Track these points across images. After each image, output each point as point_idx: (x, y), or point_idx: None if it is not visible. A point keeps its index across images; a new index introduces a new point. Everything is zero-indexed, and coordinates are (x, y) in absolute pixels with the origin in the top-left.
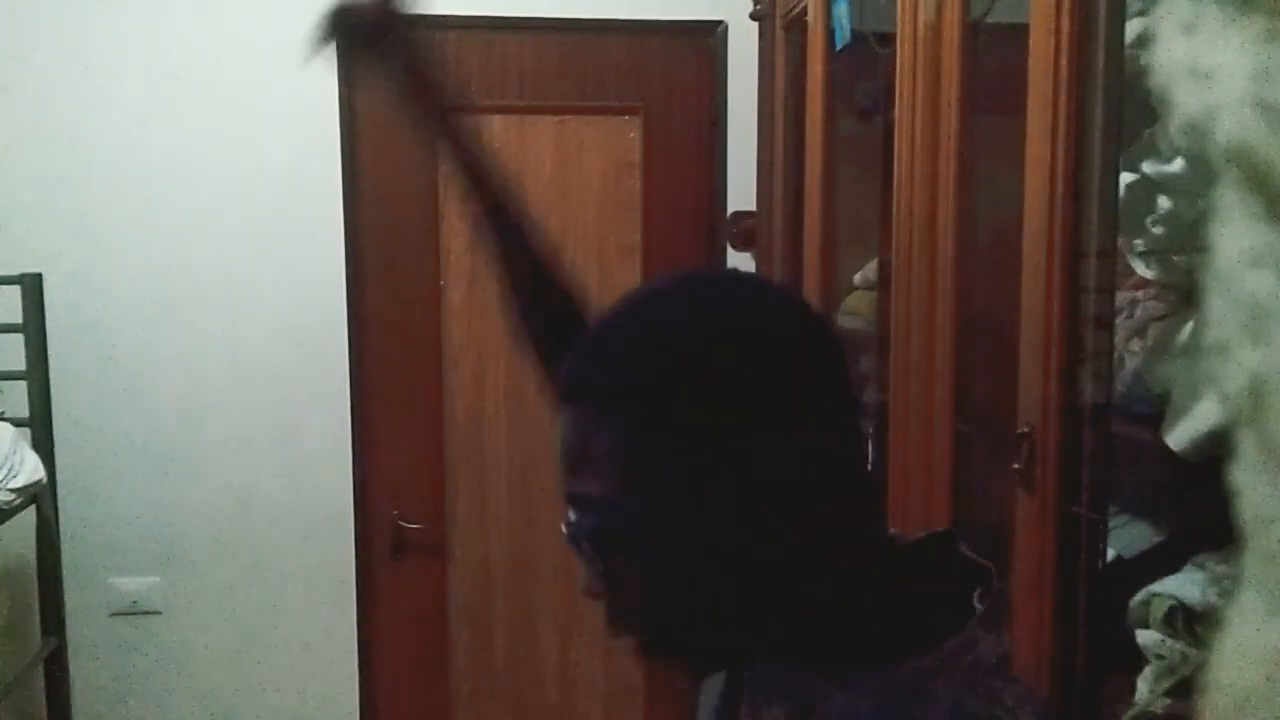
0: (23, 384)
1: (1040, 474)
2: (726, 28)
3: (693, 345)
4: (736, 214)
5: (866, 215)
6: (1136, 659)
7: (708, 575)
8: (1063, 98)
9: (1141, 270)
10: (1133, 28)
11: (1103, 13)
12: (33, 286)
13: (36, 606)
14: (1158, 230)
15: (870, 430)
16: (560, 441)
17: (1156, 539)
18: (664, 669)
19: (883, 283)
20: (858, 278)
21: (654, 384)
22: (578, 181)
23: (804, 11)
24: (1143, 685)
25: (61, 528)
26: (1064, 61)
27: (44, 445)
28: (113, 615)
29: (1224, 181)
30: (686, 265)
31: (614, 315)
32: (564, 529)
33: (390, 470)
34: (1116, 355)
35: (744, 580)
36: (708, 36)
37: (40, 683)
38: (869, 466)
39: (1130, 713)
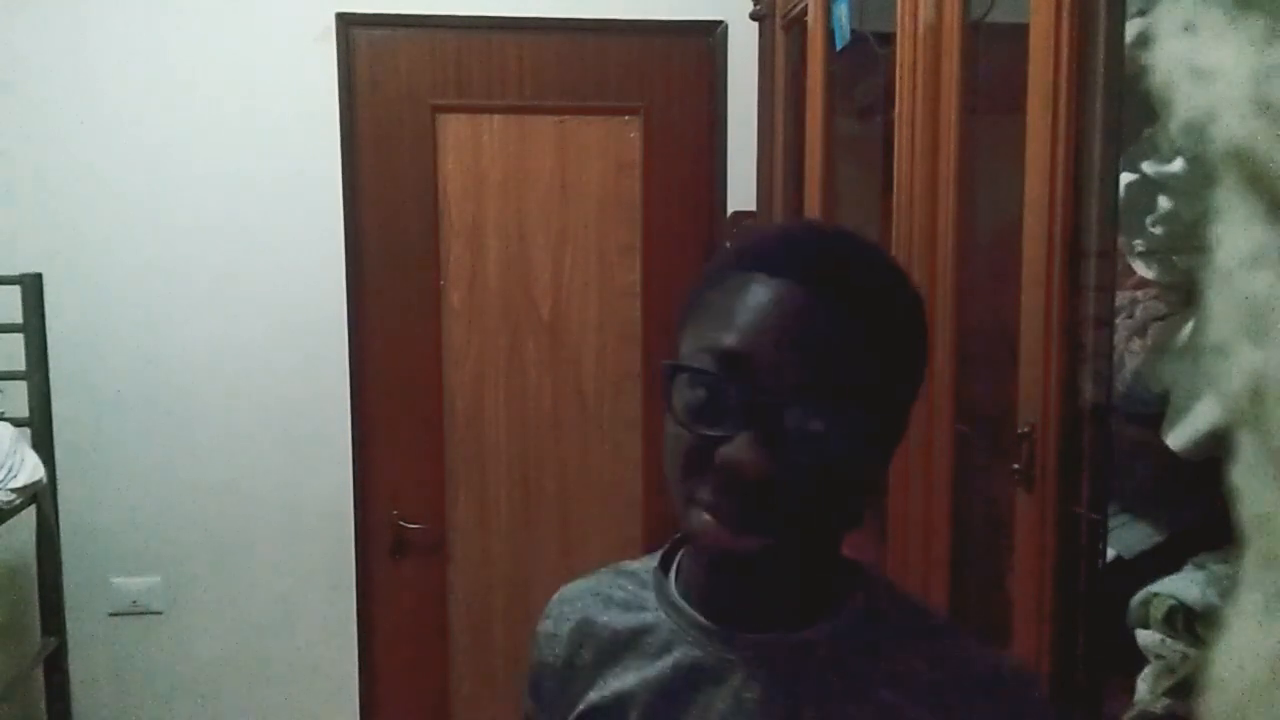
0: (23, 384)
1: (1040, 474)
2: (726, 28)
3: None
4: (736, 214)
5: (866, 215)
6: (1136, 659)
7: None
8: (1063, 98)
9: (1141, 270)
10: (1133, 28)
11: (1103, 13)
12: (33, 286)
13: (36, 606)
14: (1158, 230)
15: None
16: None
17: (1156, 539)
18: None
19: None
20: None
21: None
22: (578, 181)
23: (804, 11)
24: (1143, 685)
25: (61, 528)
26: (1064, 61)
27: (44, 445)
28: (113, 615)
29: (1224, 181)
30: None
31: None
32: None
33: (390, 470)
34: (1116, 355)
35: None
36: (708, 36)
37: (40, 683)
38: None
39: (1130, 713)
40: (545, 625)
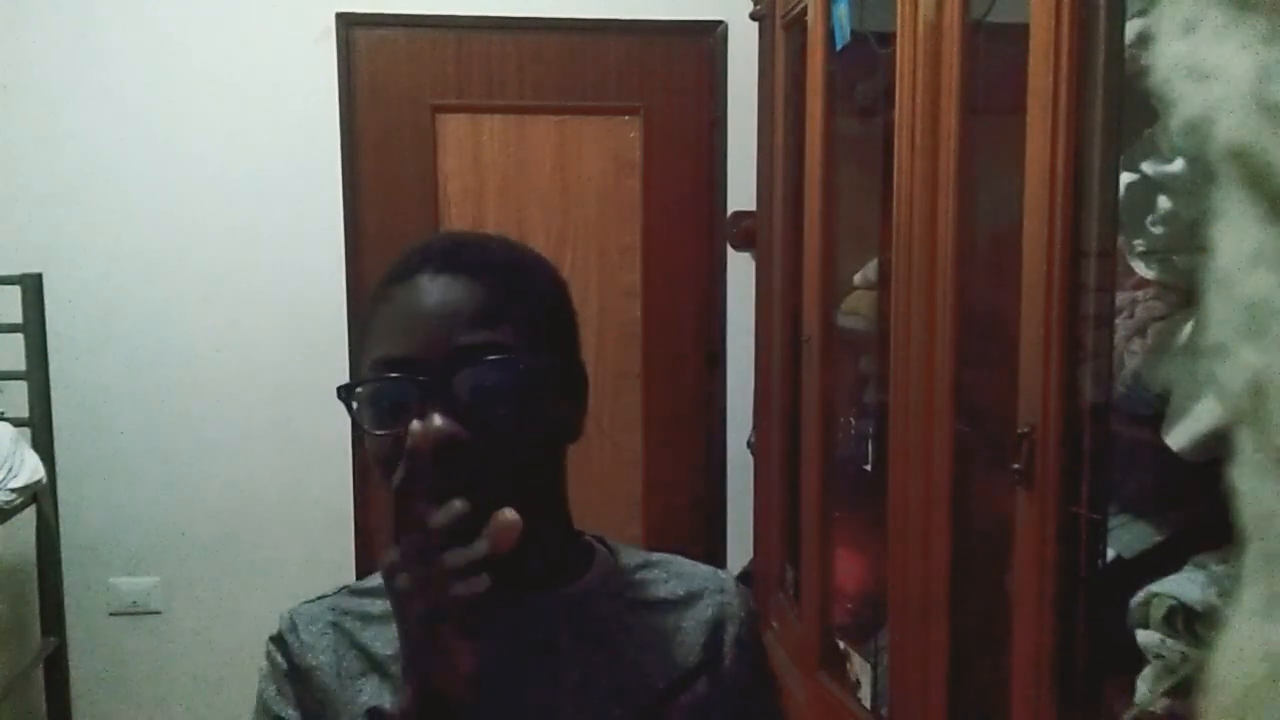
0: (23, 384)
1: (1040, 474)
2: (726, 28)
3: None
4: (736, 214)
5: (866, 215)
6: (1136, 659)
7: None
8: (1063, 98)
9: (1141, 270)
10: (1133, 28)
11: (1103, 13)
12: (33, 286)
13: (36, 606)
14: (1158, 230)
15: (870, 428)
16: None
17: (1156, 539)
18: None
19: (883, 283)
20: (858, 278)
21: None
22: (578, 181)
23: (804, 11)
24: (1143, 685)
25: (61, 528)
26: (1064, 61)
27: (44, 445)
28: (113, 615)
29: (1224, 181)
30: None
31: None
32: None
33: None
34: (1116, 355)
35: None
36: (708, 36)
37: (40, 683)
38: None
39: (1130, 713)
40: (292, 639)
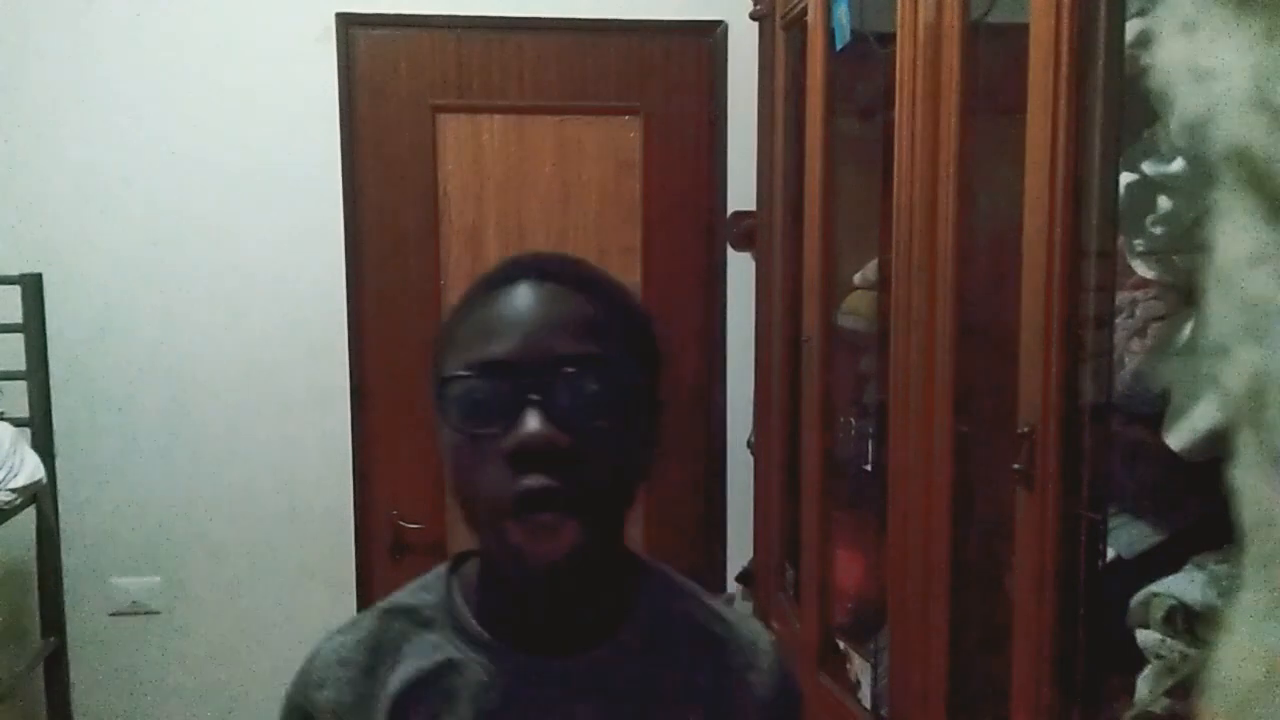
0: (23, 384)
1: (1040, 474)
2: (726, 28)
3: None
4: (736, 214)
5: (866, 215)
6: (1136, 659)
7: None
8: (1063, 98)
9: (1141, 270)
10: (1133, 28)
11: (1103, 13)
12: (33, 286)
13: (36, 606)
14: (1158, 230)
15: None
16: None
17: (1156, 539)
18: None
19: (883, 283)
20: (858, 278)
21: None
22: (578, 181)
23: (804, 11)
24: (1143, 685)
25: (61, 528)
26: (1064, 61)
27: (44, 445)
28: (113, 615)
29: (1224, 181)
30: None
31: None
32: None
33: (390, 470)
34: (1116, 355)
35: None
36: (708, 36)
37: (40, 683)
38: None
39: (1130, 713)
40: (322, 695)
